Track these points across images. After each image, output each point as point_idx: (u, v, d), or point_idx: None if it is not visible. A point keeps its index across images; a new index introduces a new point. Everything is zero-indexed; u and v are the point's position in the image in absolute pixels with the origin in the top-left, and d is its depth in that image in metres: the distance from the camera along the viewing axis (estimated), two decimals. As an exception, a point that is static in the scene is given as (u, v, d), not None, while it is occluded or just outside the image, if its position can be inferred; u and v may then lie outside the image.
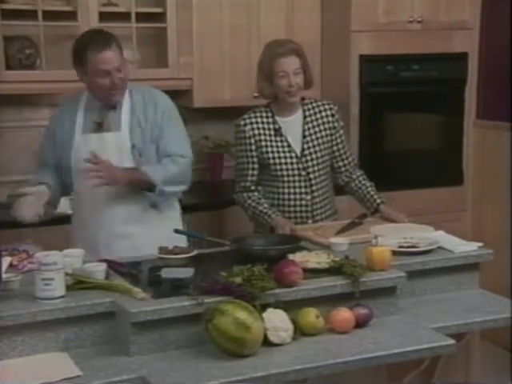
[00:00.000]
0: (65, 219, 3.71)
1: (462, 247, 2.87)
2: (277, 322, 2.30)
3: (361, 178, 3.38)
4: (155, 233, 2.92)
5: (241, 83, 4.20)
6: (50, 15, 3.81)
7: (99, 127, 2.96)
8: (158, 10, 4.05)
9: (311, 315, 2.37)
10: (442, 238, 2.95)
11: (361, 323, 2.44)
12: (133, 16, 3.93)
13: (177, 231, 2.87)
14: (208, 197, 4.21)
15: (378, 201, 3.30)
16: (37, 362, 2.22)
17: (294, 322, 2.35)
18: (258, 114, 3.29)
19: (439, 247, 2.85)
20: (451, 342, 2.39)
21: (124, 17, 3.96)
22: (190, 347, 2.30)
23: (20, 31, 3.90)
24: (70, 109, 3.00)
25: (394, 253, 2.69)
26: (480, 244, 2.91)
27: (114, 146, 2.93)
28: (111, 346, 2.32)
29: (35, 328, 2.25)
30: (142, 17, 3.99)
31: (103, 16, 3.87)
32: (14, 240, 2.95)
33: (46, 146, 3.07)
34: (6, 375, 2.11)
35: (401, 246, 2.82)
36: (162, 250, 2.71)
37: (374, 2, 4.18)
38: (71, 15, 3.85)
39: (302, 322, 2.37)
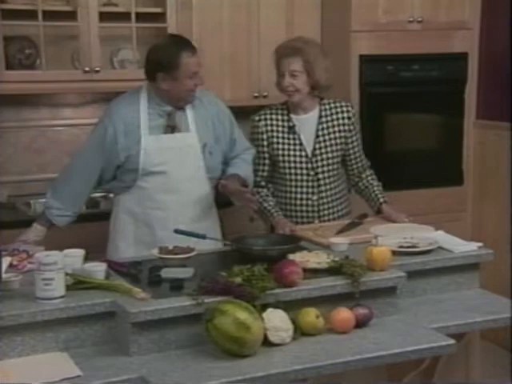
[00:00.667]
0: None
1: (462, 247, 2.87)
2: (277, 322, 2.30)
3: (369, 178, 3.39)
4: (211, 229, 3.06)
5: (241, 83, 4.20)
6: (49, 15, 3.80)
7: (173, 130, 3.03)
8: (158, 10, 4.04)
9: (311, 315, 2.37)
10: (441, 237, 2.95)
11: (361, 323, 2.44)
12: (133, 16, 3.93)
13: (177, 231, 2.87)
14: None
15: (381, 200, 3.31)
16: (37, 361, 2.22)
17: (293, 322, 2.35)
18: (274, 111, 3.31)
19: (439, 247, 2.85)
20: (451, 342, 2.39)
21: (124, 17, 3.95)
22: (189, 347, 2.30)
23: (20, 31, 3.90)
24: (129, 113, 2.99)
25: (394, 253, 2.69)
26: (480, 244, 2.91)
27: (187, 146, 3.03)
28: (111, 346, 2.32)
29: (35, 328, 2.25)
30: (142, 17, 3.98)
31: (103, 16, 3.87)
32: (13, 240, 2.95)
33: (95, 155, 3.02)
34: (5, 375, 2.11)
35: (401, 246, 2.82)
36: (162, 249, 2.71)
37: (374, 2, 4.17)
38: (71, 15, 3.84)
39: (302, 321, 2.37)
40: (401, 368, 2.63)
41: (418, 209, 3.93)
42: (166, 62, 2.93)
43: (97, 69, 3.86)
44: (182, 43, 2.99)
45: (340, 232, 3.04)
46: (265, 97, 4.21)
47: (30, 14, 3.76)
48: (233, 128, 3.21)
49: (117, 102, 3.07)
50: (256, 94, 4.20)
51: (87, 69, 3.84)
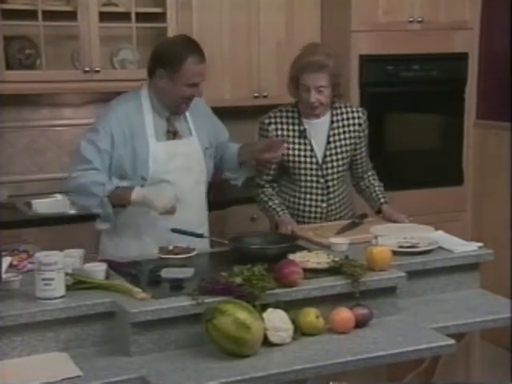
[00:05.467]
0: (64, 219, 3.72)
1: (462, 247, 2.87)
2: (277, 322, 2.30)
3: (371, 178, 3.38)
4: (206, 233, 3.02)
5: (241, 83, 4.20)
6: (49, 15, 3.80)
7: (174, 135, 2.94)
8: (158, 10, 4.04)
9: (311, 315, 2.37)
10: (441, 238, 2.95)
11: (361, 323, 2.44)
12: (133, 16, 3.93)
13: (174, 230, 2.86)
14: (209, 197, 4.21)
15: (382, 200, 3.30)
16: (37, 361, 2.22)
17: (293, 322, 2.35)
18: (284, 114, 3.22)
19: (439, 247, 2.85)
20: (451, 342, 2.39)
21: (124, 17, 3.96)
22: (189, 347, 2.30)
23: (20, 31, 3.90)
24: (136, 120, 2.86)
25: (394, 253, 2.69)
26: (480, 244, 2.91)
27: (191, 152, 2.96)
28: (111, 346, 2.32)
29: (35, 328, 2.25)
30: (142, 17, 3.98)
31: (103, 16, 3.87)
32: (13, 240, 2.95)
33: (107, 153, 2.82)
34: (5, 375, 2.11)
35: (401, 246, 2.82)
36: (162, 250, 2.71)
37: (374, 2, 4.17)
38: (71, 15, 3.84)
39: (302, 321, 2.37)
40: (401, 368, 2.63)
41: (418, 209, 3.92)
42: (169, 58, 2.80)
43: (97, 69, 3.86)
44: (192, 47, 2.84)
45: (340, 232, 3.04)
46: (265, 97, 4.22)
47: (30, 14, 3.76)
48: (224, 130, 3.18)
49: (118, 103, 2.91)
50: (256, 94, 4.20)
51: (87, 69, 3.84)
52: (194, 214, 2.99)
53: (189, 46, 2.84)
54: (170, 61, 2.80)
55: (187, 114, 2.97)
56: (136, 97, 2.90)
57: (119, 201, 2.82)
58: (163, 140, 2.91)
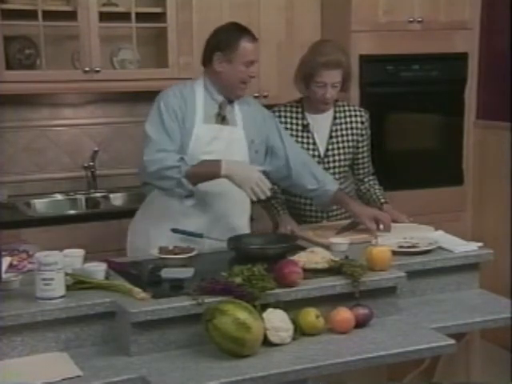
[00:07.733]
0: (64, 219, 3.72)
1: (462, 247, 2.87)
2: (277, 322, 2.30)
3: (371, 182, 3.42)
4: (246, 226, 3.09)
5: (241, 83, 4.19)
6: (49, 15, 3.80)
7: (222, 120, 2.99)
8: (158, 10, 4.04)
9: (311, 315, 2.37)
10: (441, 238, 2.95)
11: (361, 323, 2.44)
12: (133, 16, 3.93)
13: (174, 230, 2.86)
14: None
15: (382, 200, 3.32)
16: (37, 362, 2.22)
17: (294, 322, 2.35)
18: (289, 109, 3.31)
19: (439, 247, 2.86)
20: (451, 342, 2.39)
21: (124, 17, 3.96)
22: (189, 347, 2.30)
23: (20, 31, 3.90)
24: (189, 98, 2.94)
25: (394, 253, 2.69)
26: (480, 244, 2.91)
27: (235, 140, 2.99)
28: (111, 346, 2.32)
29: (35, 328, 2.25)
30: (142, 17, 3.98)
31: (103, 16, 3.87)
32: (13, 240, 2.95)
33: (174, 127, 2.90)
34: (5, 375, 2.11)
35: (401, 246, 2.82)
36: (162, 249, 2.71)
37: (374, 2, 4.17)
38: (71, 15, 3.84)
39: (302, 321, 2.37)
40: (401, 368, 2.63)
41: (418, 209, 3.92)
42: (225, 41, 2.91)
43: (97, 69, 3.86)
44: (244, 29, 2.96)
45: (340, 232, 3.04)
46: (265, 97, 4.21)
47: (30, 14, 3.76)
48: (281, 133, 3.14)
49: (174, 88, 2.98)
50: (256, 94, 4.19)
51: (87, 69, 3.84)
52: (233, 203, 2.99)
53: (241, 28, 2.97)
54: (227, 42, 2.91)
55: (236, 106, 3.02)
56: (190, 83, 3.02)
57: (203, 177, 2.85)
58: (211, 123, 2.96)
